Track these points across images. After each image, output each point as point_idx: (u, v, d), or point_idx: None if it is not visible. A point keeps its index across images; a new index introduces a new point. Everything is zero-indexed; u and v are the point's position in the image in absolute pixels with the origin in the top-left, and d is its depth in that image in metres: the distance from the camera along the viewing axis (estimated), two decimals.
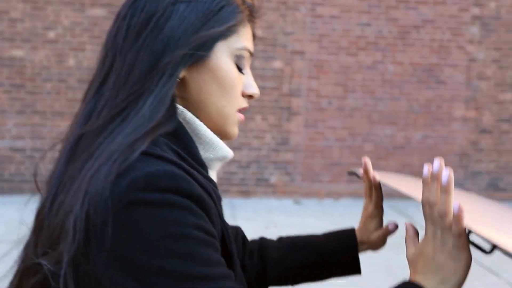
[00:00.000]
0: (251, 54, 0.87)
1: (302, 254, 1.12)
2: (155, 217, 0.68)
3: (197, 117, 0.82)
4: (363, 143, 7.58)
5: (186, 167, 0.74)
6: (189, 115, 0.81)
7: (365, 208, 1.15)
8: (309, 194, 7.51)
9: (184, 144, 0.80)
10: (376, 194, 1.11)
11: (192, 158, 0.79)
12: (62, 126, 7.26)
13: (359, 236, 1.14)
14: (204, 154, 0.83)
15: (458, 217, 0.74)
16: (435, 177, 0.77)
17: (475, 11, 7.63)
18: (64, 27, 7.14)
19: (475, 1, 7.61)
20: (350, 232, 1.15)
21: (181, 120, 0.81)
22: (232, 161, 7.46)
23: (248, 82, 0.88)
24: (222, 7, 0.81)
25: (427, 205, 0.79)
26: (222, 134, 0.86)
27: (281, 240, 1.17)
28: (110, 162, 0.70)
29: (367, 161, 1.12)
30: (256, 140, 7.40)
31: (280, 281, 1.14)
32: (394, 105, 7.58)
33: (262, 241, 1.17)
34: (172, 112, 0.78)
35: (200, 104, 0.82)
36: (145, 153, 0.72)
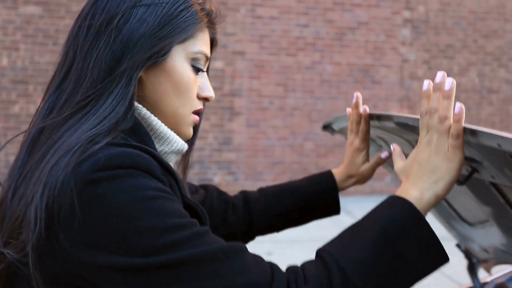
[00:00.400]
0: (208, 58, 0.90)
1: (286, 201, 1.19)
2: (119, 186, 0.71)
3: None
4: (304, 142, 7.76)
5: (144, 147, 0.78)
6: (144, 110, 0.84)
7: (351, 144, 1.20)
8: None
9: (140, 138, 0.82)
10: (365, 128, 1.16)
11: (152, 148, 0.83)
12: None
13: (347, 171, 1.21)
14: (159, 148, 0.86)
15: (459, 116, 0.81)
16: (438, 86, 0.83)
17: (406, 14, 8.00)
18: None
19: (406, 4, 7.99)
20: (328, 174, 1.21)
21: (137, 116, 0.84)
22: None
23: (203, 85, 0.91)
24: (181, 12, 0.84)
25: (426, 114, 0.85)
26: (180, 134, 0.90)
27: (262, 190, 1.23)
28: (70, 153, 0.73)
29: (359, 95, 1.18)
30: (199, 140, 7.38)
31: (267, 230, 1.21)
32: (333, 104, 7.81)
33: (245, 194, 1.22)
34: (130, 110, 0.81)
35: (156, 104, 0.85)
36: (107, 144, 0.75)
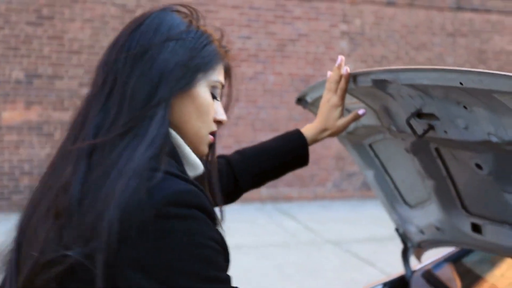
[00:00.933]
0: (223, 86, 1.03)
1: (264, 162, 1.37)
2: (184, 228, 0.82)
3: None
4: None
5: (198, 185, 0.89)
6: (179, 140, 0.96)
7: (328, 101, 1.39)
8: None
9: (180, 164, 0.94)
10: (344, 86, 1.35)
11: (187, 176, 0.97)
12: None
13: (323, 125, 1.41)
14: (188, 172, 0.98)
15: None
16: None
17: (343, 27, 8.39)
18: None
19: (343, 18, 8.38)
20: (299, 133, 1.43)
21: (175, 142, 0.95)
22: None
23: (218, 110, 1.03)
24: (205, 45, 0.97)
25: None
26: (197, 152, 1.01)
27: (241, 152, 1.40)
28: (137, 178, 0.82)
29: (343, 58, 1.37)
30: None
31: (250, 187, 1.38)
32: (276, 113, 8.04)
33: (227, 158, 1.39)
34: (168, 132, 0.92)
35: (181, 125, 0.96)
36: (167, 172, 0.86)
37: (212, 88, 0.99)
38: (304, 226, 6.78)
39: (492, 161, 1.21)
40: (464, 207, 1.60)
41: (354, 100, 1.44)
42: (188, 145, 0.99)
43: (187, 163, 0.97)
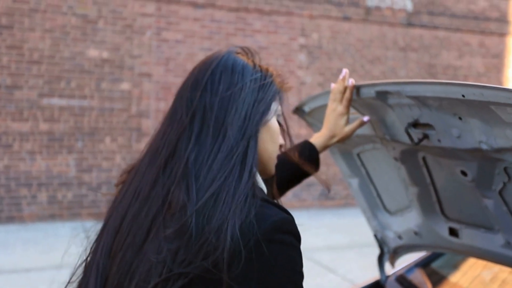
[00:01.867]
0: (280, 114, 1.16)
1: (285, 171, 1.51)
2: (286, 254, 0.94)
3: None
4: None
5: (288, 212, 1.00)
6: (258, 177, 1.09)
7: (333, 110, 1.53)
8: None
9: (260, 191, 1.05)
10: (349, 96, 1.49)
11: None
12: None
13: (331, 132, 1.55)
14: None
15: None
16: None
17: (302, 40, 8.63)
18: None
19: (301, 31, 8.62)
20: (309, 145, 1.57)
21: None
22: (82, 183, 7.29)
23: (281, 135, 1.17)
24: (271, 83, 1.10)
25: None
26: (266, 172, 1.14)
27: None
28: (246, 204, 0.94)
29: (347, 71, 1.51)
30: (106, 162, 7.36)
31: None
32: None
33: None
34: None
35: (260, 152, 1.08)
36: (264, 200, 0.98)
37: (278, 117, 1.13)
38: (310, 232, 6.88)
39: (477, 168, 1.37)
40: (443, 212, 1.75)
41: (353, 110, 1.58)
42: (262, 167, 1.11)
43: (257, 187, 1.07)
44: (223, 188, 0.96)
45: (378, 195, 2.04)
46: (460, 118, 1.21)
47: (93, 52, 7.29)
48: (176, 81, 7.76)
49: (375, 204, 2.09)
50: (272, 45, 8.40)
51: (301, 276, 0.97)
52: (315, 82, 8.67)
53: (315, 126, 1.87)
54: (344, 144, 1.83)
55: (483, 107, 1.10)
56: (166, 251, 0.94)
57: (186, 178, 0.98)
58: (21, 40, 6.97)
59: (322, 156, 1.60)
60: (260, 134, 1.07)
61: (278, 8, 8.42)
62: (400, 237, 2.07)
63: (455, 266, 2.43)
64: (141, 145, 7.53)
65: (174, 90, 8.16)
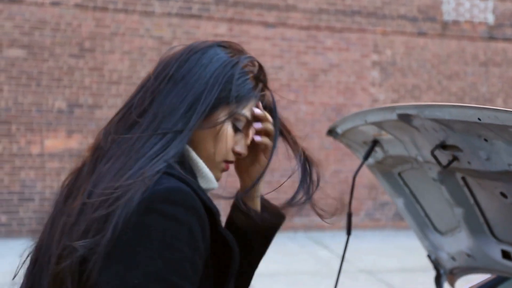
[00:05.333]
0: (249, 121, 1.08)
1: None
2: (162, 226, 0.86)
3: None
4: (281, 178, 7.98)
5: (193, 186, 0.94)
6: (194, 155, 1.03)
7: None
8: None
9: (191, 173, 1.00)
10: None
11: (198, 183, 1.00)
12: None
13: (248, 179, 1.25)
14: (200, 184, 1.03)
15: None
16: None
17: (375, 57, 8.49)
18: None
19: (374, 48, 8.48)
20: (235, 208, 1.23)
21: (189, 157, 1.02)
22: None
23: (239, 142, 1.08)
24: (238, 79, 1.04)
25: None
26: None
27: None
28: (141, 178, 0.89)
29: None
30: None
31: None
32: (308, 142, 8.09)
33: None
34: (183, 150, 1.00)
35: (197, 146, 1.03)
36: (166, 173, 0.92)
37: (235, 120, 1.06)
38: (336, 255, 6.77)
39: None
40: (493, 234, 1.65)
41: (383, 132, 1.54)
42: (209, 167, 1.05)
43: (201, 175, 1.03)
44: (129, 167, 0.93)
45: (426, 215, 1.96)
46: (485, 140, 1.14)
47: None
48: None
49: (424, 224, 2.01)
50: (344, 63, 8.32)
51: (181, 253, 0.87)
52: (389, 99, 8.48)
53: (352, 147, 1.84)
54: (382, 165, 1.78)
55: (502, 129, 1.04)
56: (66, 228, 0.93)
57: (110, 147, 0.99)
58: (102, 62, 7.39)
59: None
60: (203, 134, 1.03)
61: (350, 25, 8.35)
62: (453, 259, 1.98)
63: None
64: None
65: None
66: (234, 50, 1.10)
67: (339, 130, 1.78)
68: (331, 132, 1.83)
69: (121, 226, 0.86)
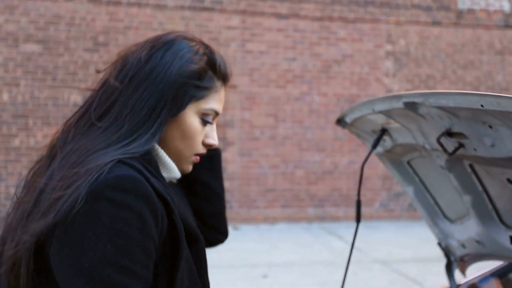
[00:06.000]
0: (217, 114, 1.08)
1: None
2: (111, 213, 0.87)
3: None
4: (294, 169, 8.03)
5: (146, 174, 0.93)
6: (161, 151, 1.03)
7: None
8: (246, 220, 7.80)
9: (153, 165, 1.00)
10: None
11: (157, 173, 0.99)
12: None
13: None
14: (163, 173, 1.04)
15: None
16: None
17: (388, 47, 8.44)
18: None
19: (388, 38, 8.43)
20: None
21: (154, 151, 1.03)
22: None
23: (209, 134, 1.08)
24: (202, 75, 1.03)
25: None
26: (180, 169, 1.08)
27: None
28: (92, 167, 0.90)
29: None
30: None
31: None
32: (321, 133, 8.13)
33: None
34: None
35: (164, 142, 1.04)
36: (119, 161, 0.92)
37: (203, 115, 1.06)
38: (350, 245, 6.78)
39: None
40: (501, 220, 1.66)
41: (391, 120, 1.55)
42: (175, 162, 1.06)
43: (162, 165, 1.04)
44: (87, 160, 0.93)
45: (436, 203, 1.97)
46: (490, 127, 1.16)
47: None
48: (261, 91, 7.90)
49: (434, 212, 2.02)
50: (357, 53, 8.29)
51: (131, 239, 0.88)
52: (403, 89, 8.43)
53: (361, 136, 1.85)
54: (391, 153, 1.79)
55: (505, 116, 1.05)
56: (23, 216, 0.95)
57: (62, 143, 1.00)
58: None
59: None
60: (169, 126, 1.03)
61: (363, 15, 8.31)
62: (463, 246, 1.98)
63: None
64: (227, 154, 7.74)
65: (258, 100, 8.35)
66: (197, 41, 1.08)
67: (348, 119, 1.79)
68: (340, 121, 1.84)
69: (70, 212, 0.87)
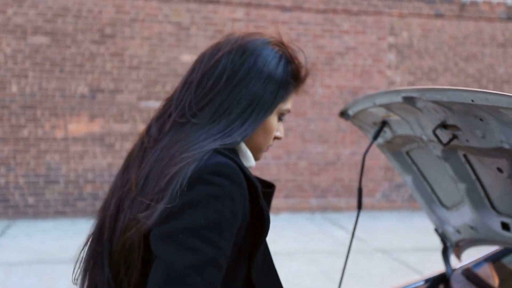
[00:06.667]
0: (289, 111, 1.22)
1: None
2: (207, 191, 1.00)
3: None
4: (297, 160, 8.15)
5: (239, 162, 1.07)
6: (242, 144, 1.15)
7: None
8: None
9: (235, 153, 1.13)
10: None
11: (241, 162, 1.11)
12: (6, 151, 7.26)
13: None
14: (244, 162, 1.16)
15: None
16: None
17: (391, 40, 8.52)
18: (6, 55, 7.23)
19: (391, 31, 8.51)
20: None
21: (239, 146, 1.15)
22: None
23: (280, 129, 1.23)
24: (287, 83, 1.16)
25: None
26: (255, 157, 1.21)
27: None
28: (194, 154, 1.04)
29: None
30: None
31: None
32: (324, 125, 8.24)
33: None
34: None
35: (248, 138, 1.15)
36: (217, 151, 1.06)
37: (280, 114, 1.20)
38: (354, 235, 6.91)
39: (508, 165, 1.41)
40: (493, 207, 1.78)
41: (391, 113, 1.67)
42: (251, 151, 1.19)
43: (243, 155, 1.17)
44: (187, 149, 1.07)
45: (433, 191, 2.08)
46: (481, 120, 1.27)
47: (186, 57, 7.72)
48: None
49: (431, 200, 2.13)
50: (361, 45, 8.38)
51: (222, 216, 1.00)
52: (405, 81, 8.53)
53: (363, 128, 1.96)
54: (391, 144, 1.91)
55: (494, 110, 1.16)
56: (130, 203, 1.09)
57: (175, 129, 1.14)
58: (123, 48, 7.57)
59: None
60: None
61: (366, 8, 8.38)
62: (458, 232, 2.10)
63: None
64: None
65: None
66: (279, 46, 1.20)
67: (351, 112, 1.90)
68: (343, 114, 1.95)
69: (179, 194, 1.00)
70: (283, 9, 8.10)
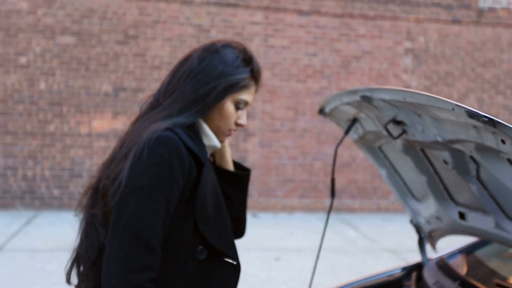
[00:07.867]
0: (247, 103, 1.45)
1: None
2: (153, 159, 1.28)
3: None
4: (313, 161, 8.33)
5: (182, 137, 1.33)
6: (203, 124, 1.42)
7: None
8: (265, 208, 8.16)
9: (195, 133, 1.39)
10: None
11: (197, 139, 1.39)
12: (34, 145, 7.64)
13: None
14: (204, 141, 1.42)
15: None
16: None
17: (407, 44, 8.64)
18: (35, 54, 7.61)
19: (407, 35, 8.63)
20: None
21: (198, 124, 1.42)
22: None
23: (242, 117, 1.46)
24: (243, 79, 1.41)
25: None
26: (216, 139, 1.46)
27: None
28: (155, 130, 1.32)
29: None
30: None
31: None
32: (339, 128, 8.37)
33: None
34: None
35: (208, 119, 1.42)
36: (168, 128, 1.32)
37: (237, 103, 1.44)
38: (363, 235, 7.04)
39: (451, 157, 1.59)
40: (451, 198, 1.94)
41: (356, 110, 1.87)
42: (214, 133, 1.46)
43: (204, 135, 1.44)
44: (147, 128, 1.36)
45: (405, 184, 2.23)
46: (419, 116, 1.47)
47: None
48: (281, 84, 8.22)
49: (404, 192, 2.28)
50: (377, 50, 8.52)
51: (160, 177, 1.27)
52: (421, 86, 8.63)
53: (340, 125, 2.14)
54: (364, 140, 2.09)
55: (423, 107, 1.36)
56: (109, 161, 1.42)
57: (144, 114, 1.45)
58: (145, 49, 7.88)
59: None
60: (211, 109, 1.41)
61: (383, 13, 8.52)
62: (428, 222, 2.24)
63: (498, 255, 2.51)
64: (248, 145, 8.09)
65: (279, 93, 8.67)
66: (240, 49, 1.46)
67: (327, 109, 2.08)
68: (321, 111, 2.14)
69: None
70: (301, 13, 8.30)
